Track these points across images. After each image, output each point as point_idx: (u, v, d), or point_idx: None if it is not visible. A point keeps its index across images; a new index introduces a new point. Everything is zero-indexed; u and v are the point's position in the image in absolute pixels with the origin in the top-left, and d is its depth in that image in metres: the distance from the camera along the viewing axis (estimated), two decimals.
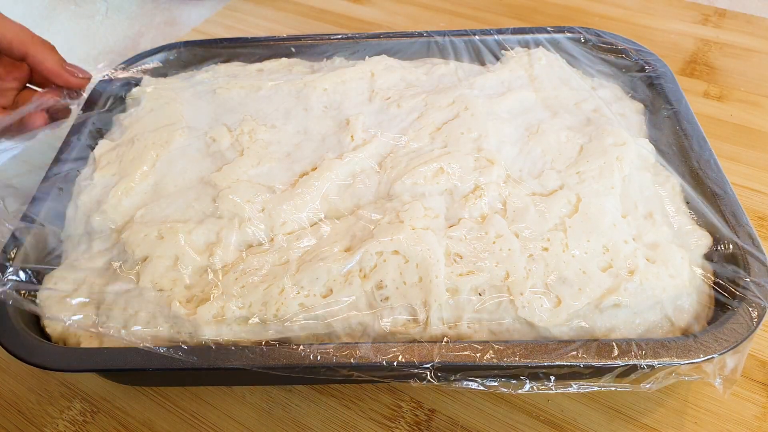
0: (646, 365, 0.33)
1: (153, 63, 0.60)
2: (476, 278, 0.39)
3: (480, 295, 0.39)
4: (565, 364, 0.34)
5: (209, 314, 0.38)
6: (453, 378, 0.35)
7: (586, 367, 0.34)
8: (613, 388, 0.34)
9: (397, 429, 0.40)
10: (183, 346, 0.38)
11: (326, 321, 0.38)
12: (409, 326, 0.38)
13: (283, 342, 0.38)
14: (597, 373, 0.35)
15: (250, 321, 0.38)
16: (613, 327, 0.37)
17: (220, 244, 0.41)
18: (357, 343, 0.37)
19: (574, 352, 0.34)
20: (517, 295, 0.38)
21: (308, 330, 0.38)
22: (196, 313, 0.38)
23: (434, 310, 0.38)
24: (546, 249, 0.40)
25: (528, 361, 0.34)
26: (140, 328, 0.39)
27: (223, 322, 0.38)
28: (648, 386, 0.34)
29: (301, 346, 0.36)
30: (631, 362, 0.33)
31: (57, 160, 0.48)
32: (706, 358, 0.33)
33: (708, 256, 0.41)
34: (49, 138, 0.63)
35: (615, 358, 0.34)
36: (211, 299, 0.38)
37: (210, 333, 0.38)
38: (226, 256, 0.41)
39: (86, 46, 0.82)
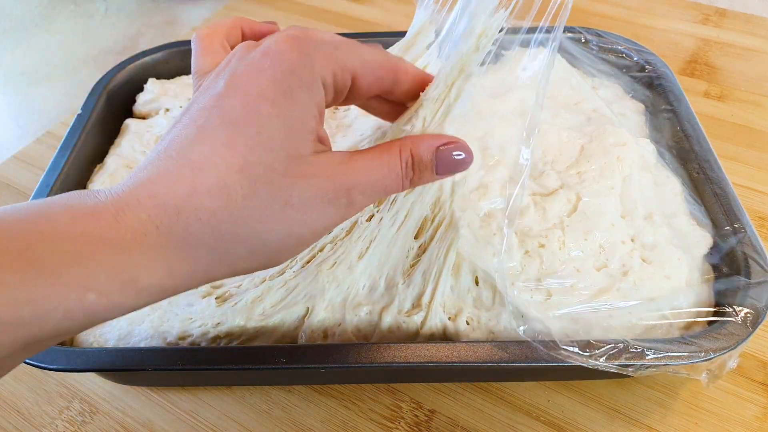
0: (643, 366, 0.33)
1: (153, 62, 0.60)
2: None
3: (477, 285, 0.39)
4: (559, 365, 0.34)
5: (248, 299, 0.39)
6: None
7: (578, 367, 0.34)
8: (601, 367, 0.34)
9: (396, 430, 0.40)
10: (183, 346, 0.38)
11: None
12: (412, 312, 0.38)
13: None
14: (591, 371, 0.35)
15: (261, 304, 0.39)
16: (609, 327, 0.37)
17: None
18: (356, 343, 0.37)
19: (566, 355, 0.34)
20: (509, 284, 0.38)
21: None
22: (224, 305, 0.39)
23: (438, 293, 0.38)
24: (542, 246, 0.40)
25: (521, 363, 0.34)
26: (149, 326, 0.39)
27: (258, 303, 0.39)
28: (633, 371, 0.34)
29: (303, 346, 0.36)
30: (626, 363, 0.33)
31: (56, 161, 0.48)
32: (701, 359, 0.33)
33: (708, 257, 0.41)
34: (47, 138, 0.63)
35: (607, 358, 0.34)
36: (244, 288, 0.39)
37: (241, 320, 0.38)
38: None
39: (86, 46, 0.82)
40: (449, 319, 0.38)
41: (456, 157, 0.29)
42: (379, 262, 0.39)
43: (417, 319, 0.38)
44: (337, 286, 0.38)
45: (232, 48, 0.34)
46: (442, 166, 0.29)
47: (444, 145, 0.29)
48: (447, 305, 0.38)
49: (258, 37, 0.35)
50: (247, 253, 0.24)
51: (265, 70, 0.24)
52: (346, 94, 0.27)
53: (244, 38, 0.35)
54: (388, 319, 0.38)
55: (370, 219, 0.39)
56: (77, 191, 0.23)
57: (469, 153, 0.29)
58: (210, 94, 0.25)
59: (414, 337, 0.38)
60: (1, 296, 0.19)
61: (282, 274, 0.39)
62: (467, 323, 0.38)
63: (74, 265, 0.20)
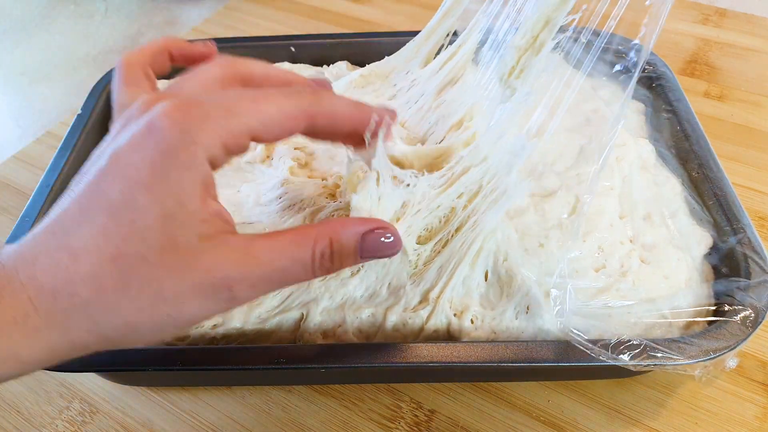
0: (641, 364, 0.33)
1: None
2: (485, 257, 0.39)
3: (486, 279, 0.39)
4: (559, 365, 0.34)
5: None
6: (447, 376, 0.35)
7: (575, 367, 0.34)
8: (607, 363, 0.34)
9: (396, 430, 0.40)
10: (183, 346, 0.38)
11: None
12: (418, 308, 0.38)
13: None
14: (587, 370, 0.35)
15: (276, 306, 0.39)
16: (608, 327, 0.37)
17: None
18: (356, 343, 0.37)
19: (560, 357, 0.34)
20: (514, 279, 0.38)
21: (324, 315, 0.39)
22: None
23: (449, 287, 0.37)
24: (542, 245, 0.40)
25: (521, 363, 0.34)
26: None
27: (255, 308, 0.38)
28: (633, 366, 0.34)
29: (302, 346, 0.36)
30: (624, 363, 0.33)
31: (57, 161, 0.48)
32: (701, 359, 0.33)
33: (708, 257, 0.41)
34: (47, 138, 0.63)
35: (608, 357, 0.34)
36: None
37: (238, 322, 0.38)
38: None
39: (86, 46, 0.82)
40: (455, 315, 0.38)
41: (385, 241, 0.28)
42: (377, 278, 0.39)
43: (423, 313, 0.37)
44: (330, 297, 0.38)
45: (158, 75, 0.33)
46: (368, 251, 0.27)
47: (372, 231, 0.27)
48: (454, 301, 0.38)
49: (189, 60, 0.34)
50: (121, 337, 0.24)
51: (144, 150, 0.23)
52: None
53: (173, 61, 0.34)
54: (393, 318, 0.38)
55: None
56: None
57: (397, 237, 0.28)
58: (95, 170, 0.24)
59: (418, 333, 0.38)
60: None
61: None
62: (471, 322, 0.38)
63: None
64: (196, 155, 0.23)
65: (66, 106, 0.72)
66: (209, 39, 0.56)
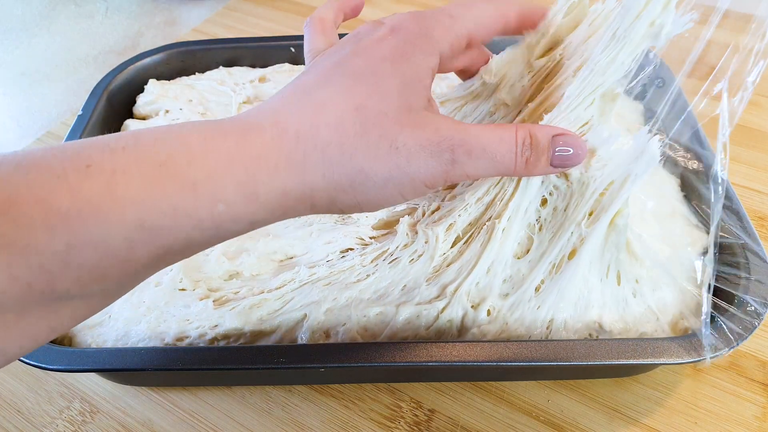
0: (640, 364, 0.33)
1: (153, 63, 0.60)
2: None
3: (516, 257, 0.38)
4: (558, 364, 0.34)
5: (246, 304, 0.38)
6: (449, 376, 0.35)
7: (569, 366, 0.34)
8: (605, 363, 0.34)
9: (396, 429, 0.40)
10: (183, 346, 0.38)
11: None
12: (433, 300, 0.37)
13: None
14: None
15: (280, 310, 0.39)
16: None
17: (249, 252, 0.42)
18: (356, 342, 0.37)
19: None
20: None
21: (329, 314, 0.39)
22: (222, 308, 0.38)
23: (468, 281, 0.37)
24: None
25: (521, 362, 0.34)
26: (146, 327, 0.39)
27: (256, 310, 0.39)
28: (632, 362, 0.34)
29: (302, 346, 0.36)
30: (620, 362, 0.34)
31: None
32: (699, 359, 0.33)
33: (706, 257, 0.41)
34: (48, 138, 0.63)
35: (601, 357, 0.34)
36: (245, 294, 0.39)
37: (238, 323, 0.38)
38: (256, 265, 0.42)
39: (86, 46, 0.82)
40: (472, 307, 0.37)
41: (569, 151, 0.29)
42: (392, 281, 0.39)
43: (439, 305, 0.37)
44: (333, 299, 0.38)
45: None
46: (557, 157, 0.29)
47: (561, 135, 0.29)
48: (472, 293, 0.37)
49: (356, 12, 0.39)
50: (349, 186, 0.25)
51: (389, 42, 0.28)
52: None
53: (345, 19, 0.37)
54: (406, 313, 0.37)
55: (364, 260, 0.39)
56: (198, 121, 0.25)
57: (583, 149, 0.29)
58: (336, 57, 0.28)
59: (431, 324, 0.37)
60: (147, 205, 0.21)
61: (279, 288, 0.39)
62: (488, 313, 0.37)
63: (208, 179, 0.22)
64: (433, 46, 0.28)
65: (66, 106, 0.72)
66: (210, 39, 0.56)
